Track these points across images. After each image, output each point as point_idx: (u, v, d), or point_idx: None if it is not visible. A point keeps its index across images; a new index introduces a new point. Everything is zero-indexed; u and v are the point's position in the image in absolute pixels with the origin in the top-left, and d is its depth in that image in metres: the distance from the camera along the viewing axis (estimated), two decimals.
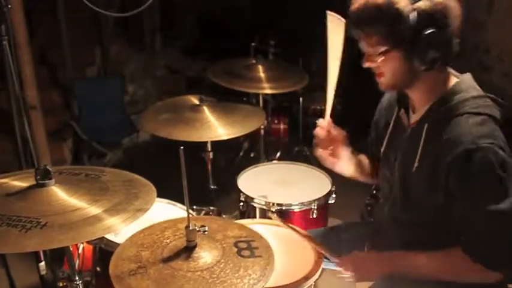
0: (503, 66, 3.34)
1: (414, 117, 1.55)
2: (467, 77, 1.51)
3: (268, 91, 3.00)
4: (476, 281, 1.44)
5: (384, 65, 1.44)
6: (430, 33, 1.35)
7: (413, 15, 1.34)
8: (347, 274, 1.60)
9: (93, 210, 1.38)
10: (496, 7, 3.34)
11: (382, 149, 1.67)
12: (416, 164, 1.48)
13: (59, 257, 2.00)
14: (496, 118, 1.40)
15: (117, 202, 1.43)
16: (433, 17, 1.36)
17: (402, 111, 1.60)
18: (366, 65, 1.48)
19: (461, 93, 1.44)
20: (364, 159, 1.87)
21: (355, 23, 1.43)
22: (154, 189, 1.53)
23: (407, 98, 1.57)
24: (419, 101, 1.52)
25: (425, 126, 1.47)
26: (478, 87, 1.47)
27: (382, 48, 1.41)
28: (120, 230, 1.41)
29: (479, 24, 3.45)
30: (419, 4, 1.35)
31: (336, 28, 1.59)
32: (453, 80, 1.49)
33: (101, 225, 1.33)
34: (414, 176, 1.49)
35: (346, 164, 1.77)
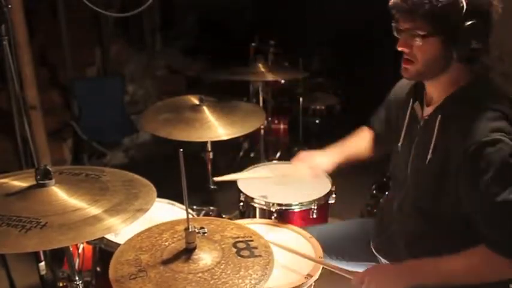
0: (503, 66, 3.33)
1: (428, 110, 1.54)
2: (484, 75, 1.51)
3: (269, 78, 3.00)
4: (507, 277, 1.41)
5: (419, 51, 1.41)
6: (475, 23, 1.33)
7: (463, 3, 1.32)
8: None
9: (93, 210, 1.37)
10: (496, 7, 3.34)
11: (400, 143, 1.65)
12: (429, 156, 1.46)
13: (59, 257, 2.00)
14: (508, 116, 1.40)
15: (117, 202, 1.43)
16: (480, 8, 1.34)
17: (417, 103, 1.59)
18: (400, 48, 1.44)
19: (478, 88, 1.44)
20: (358, 140, 1.87)
21: (403, 3, 1.38)
22: (154, 189, 1.53)
23: (423, 90, 1.56)
24: (437, 93, 1.50)
25: (439, 117, 1.46)
26: (494, 86, 1.49)
27: (423, 32, 1.37)
28: (120, 230, 1.41)
29: None
30: None
31: None
32: (470, 75, 1.48)
33: (101, 225, 1.33)
34: (427, 168, 1.48)
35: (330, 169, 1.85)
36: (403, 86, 1.71)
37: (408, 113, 1.63)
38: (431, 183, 1.48)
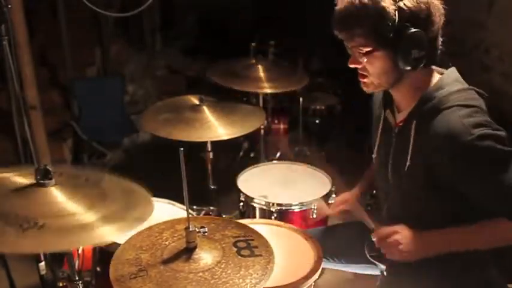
0: (503, 66, 3.33)
1: (400, 116, 1.56)
2: (452, 71, 1.51)
3: (268, 90, 3.00)
4: None
5: (369, 66, 1.45)
6: (414, 32, 1.36)
7: (397, 14, 1.35)
8: (384, 249, 1.52)
9: (91, 216, 1.35)
10: (496, 7, 3.34)
11: (375, 151, 1.68)
12: (408, 163, 1.48)
13: (59, 257, 2.00)
14: (483, 109, 1.41)
15: (114, 210, 1.41)
16: (417, 16, 1.37)
17: (388, 111, 1.61)
18: (352, 65, 1.49)
19: (446, 88, 1.45)
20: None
21: (340, 24, 1.43)
22: (152, 201, 1.51)
23: (391, 97, 1.58)
24: (404, 100, 1.52)
25: (413, 124, 1.47)
26: (462, 81, 1.48)
27: (367, 49, 1.42)
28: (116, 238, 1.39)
29: (479, 24, 3.45)
30: (403, 3, 1.35)
31: None
32: (436, 76, 1.50)
33: (97, 232, 1.31)
34: (407, 175, 1.49)
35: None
36: (377, 97, 1.72)
37: (381, 122, 1.64)
38: (416, 187, 1.49)
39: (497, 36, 3.34)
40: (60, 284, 1.73)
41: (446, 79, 1.47)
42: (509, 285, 1.60)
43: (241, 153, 3.79)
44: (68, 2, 4.01)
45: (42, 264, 1.67)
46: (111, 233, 1.32)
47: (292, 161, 2.49)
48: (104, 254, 1.73)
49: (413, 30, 1.35)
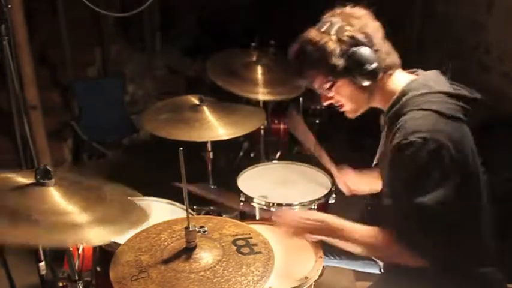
0: (503, 67, 3.33)
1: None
2: (424, 74, 1.55)
3: (266, 97, 2.95)
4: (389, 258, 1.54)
5: (339, 96, 1.57)
6: (356, 51, 1.46)
7: (338, 45, 1.46)
8: (282, 226, 1.65)
9: (85, 217, 1.35)
10: (496, 7, 3.34)
11: (378, 153, 1.71)
12: (375, 162, 1.62)
13: (59, 257, 2.00)
14: (443, 113, 1.41)
15: (111, 215, 1.41)
16: (355, 38, 1.47)
17: (381, 115, 1.65)
18: (325, 103, 1.60)
19: (409, 93, 1.48)
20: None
21: (295, 74, 1.58)
22: (148, 214, 1.50)
23: None
24: (384, 106, 1.57)
25: (385, 128, 1.56)
26: (431, 84, 1.48)
27: (328, 84, 1.53)
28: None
29: (479, 24, 3.45)
30: (338, 34, 1.47)
31: None
32: (409, 79, 1.53)
33: (89, 233, 1.31)
34: (379, 168, 1.61)
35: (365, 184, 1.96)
36: None
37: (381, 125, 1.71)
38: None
39: (497, 36, 3.34)
40: (60, 284, 1.73)
41: (414, 83, 1.51)
42: (509, 286, 1.60)
43: (241, 153, 3.79)
44: (68, 2, 4.01)
45: (42, 264, 1.67)
46: (101, 236, 1.32)
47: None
48: (104, 254, 1.73)
49: (355, 49, 1.46)
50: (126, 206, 1.49)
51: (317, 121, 4.00)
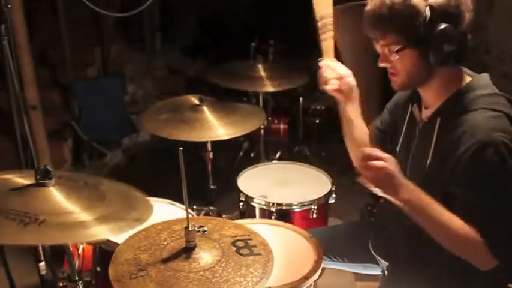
0: (503, 67, 3.33)
1: (426, 113, 1.55)
2: (484, 75, 1.51)
3: (268, 89, 3.00)
4: (471, 260, 1.40)
5: (399, 64, 1.44)
6: (444, 28, 1.36)
7: (427, 11, 1.35)
8: (363, 169, 1.38)
9: (88, 215, 1.37)
10: (496, 7, 3.34)
11: (398, 147, 1.65)
12: (429, 160, 1.47)
13: (59, 257, 2.00)
14: (509, 116, 1.40)
15: (112, 211, 1.42)
16: (447, 12, 1.36)
17: (415, 106, 1.59)
18: (382, 64, 1.48)
19: (476, 90, 1.44)
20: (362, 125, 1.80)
21: (371, 23, 1.44)
22: (151, 205, 1.52)
23: (419, 93, 1.57)
24: (432, 98, 1.51)
25: (438, 121, 1.47)
26: (493, 87, 1.48)
27: (398, 47, 1.42)
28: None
29: (479, 24, 3.45)
30: (434, 0, 1.36)
31: None
32: (468, 78, 1.49)
33: (95, 230, 1.33)
34: (427, 172, 1.48)
35: (353, 106, 1.73)
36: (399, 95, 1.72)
37: (408, 117, 1.63)
38: (431, 187, 1.45)
39: (497, 36, 3.34)
40: (60, 284, 1.73)
41: (478, 82, 1.47)
42: (510, 286, 1.60)
43: (241, 153, 3.79)
44: (68, 2, 4.01)
45: (42, 264, 1.67)
46: (105, 232, 1.34)
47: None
48: (104, 254, 1.73)
49: (443, 25, 1.36)
50: (128, 203, 1.50)
51: (317, 121, 4.00)
